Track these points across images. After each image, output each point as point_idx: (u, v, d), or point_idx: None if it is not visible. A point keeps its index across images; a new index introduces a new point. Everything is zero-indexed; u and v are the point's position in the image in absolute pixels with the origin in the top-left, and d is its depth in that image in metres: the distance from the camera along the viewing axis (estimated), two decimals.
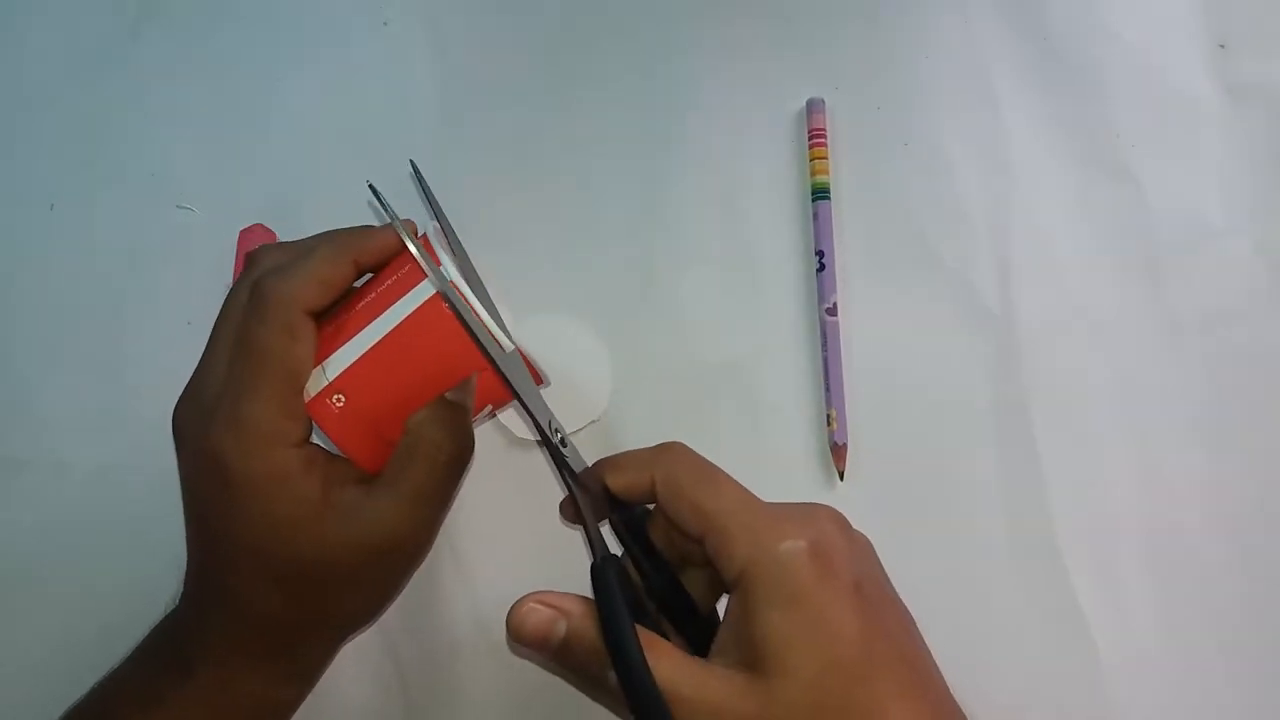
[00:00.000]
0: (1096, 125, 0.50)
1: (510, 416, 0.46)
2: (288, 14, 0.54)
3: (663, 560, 0.36)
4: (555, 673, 0.41)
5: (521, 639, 0.33)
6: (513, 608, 0.33)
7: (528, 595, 0.33)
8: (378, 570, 0.38)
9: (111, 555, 0.46)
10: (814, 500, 0.34)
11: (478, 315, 0.36)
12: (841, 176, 0.49)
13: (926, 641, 0.33)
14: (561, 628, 0.33)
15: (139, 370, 0.48)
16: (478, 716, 0.44)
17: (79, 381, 0.49)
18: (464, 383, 0.38)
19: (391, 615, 0.45)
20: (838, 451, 0.45)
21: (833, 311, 0.47)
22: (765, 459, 0.46)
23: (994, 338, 0.47)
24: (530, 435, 0.46)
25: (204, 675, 0.36)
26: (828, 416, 0.46)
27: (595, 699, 0.35)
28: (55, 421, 0.48)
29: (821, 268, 0.48)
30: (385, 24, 0.54)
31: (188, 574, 0.38)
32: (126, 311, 0.49)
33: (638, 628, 0.31)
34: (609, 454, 0.46)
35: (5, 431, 0.48)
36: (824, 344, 0.47)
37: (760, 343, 0.48)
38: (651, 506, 0.36)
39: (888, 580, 0.34)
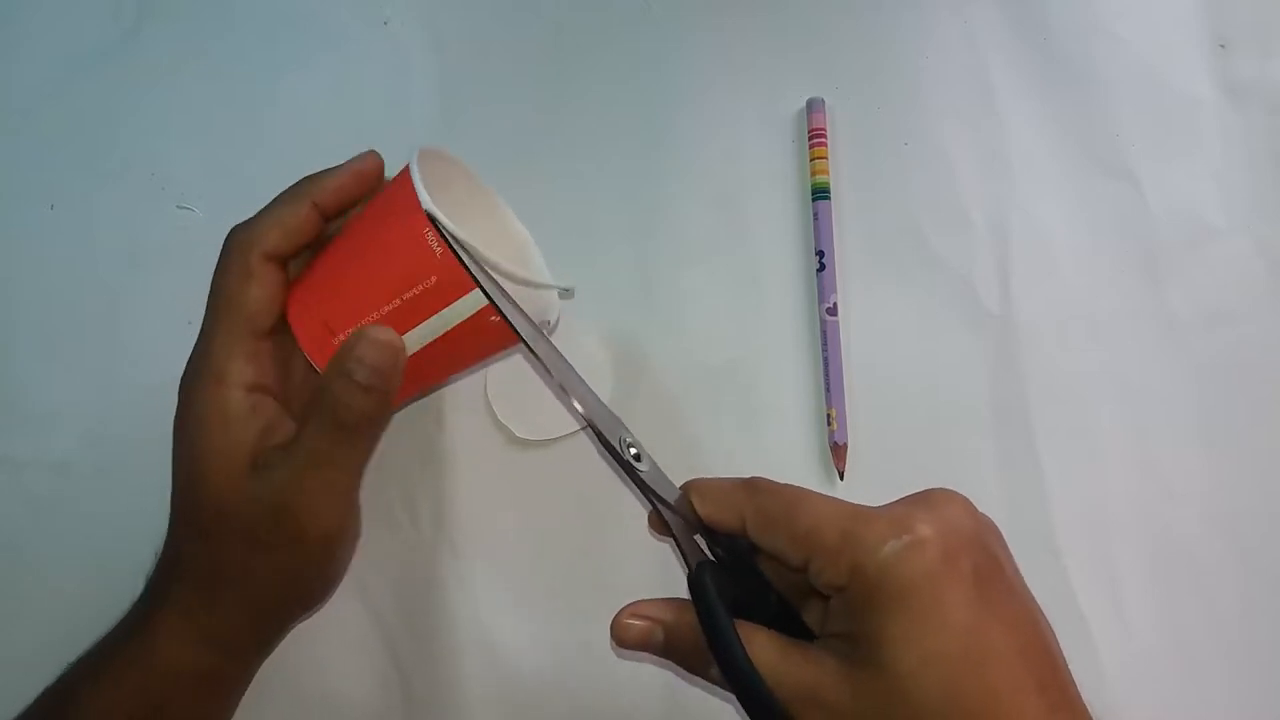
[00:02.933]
0: (1096, 125, 0.50)
1: (510, 416, 0.46)
2: (288, 14, 0.54)
3: (771, 586, 0.34)
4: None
5: (626, 648, 0.34)
6: (613, 622, 0.34)
7: (624, 608, 0.34)
8: (277, 535, 0.36)
9: (111, 555, 0.45)
10: None
11: (537, 333, 0.36)
12: (841, 176, 0.49)
13: None
14: (659, 635, 0.33)
15: (139, 370, 0.48)
16: (478, 716, 0.44)
17: (78, 381, 0.49)
18: (368, 343, 0.35)
19: (391, 615, 0.45)
20: (838, 451, 0.45)
21: (833, 311, 0.47)
22: (765, 459, 0.46)
23: (994, 338, 0.47)
24: (529, 435, 0.46)
25: (136, 637, 0.38)
26: (828, 416, 0.46)
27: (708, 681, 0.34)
28: (55, 421, 0.48)
29: (821, 268, 0.48)
30: (385, 24, 0.54)
31: None
32: (126, 311, 0.49)
33: (738, 621, 0.31)
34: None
35: (5, 431, 0.48)
36: (824, 344, 0.47)
37: (760, 343, 0.48)
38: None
39: (1015, 568, 0.32)
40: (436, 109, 0.52)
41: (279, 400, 0.38)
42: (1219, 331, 0.47)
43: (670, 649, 0.34)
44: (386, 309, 0.36)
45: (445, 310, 0.36)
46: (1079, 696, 0.31)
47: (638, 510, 0.45)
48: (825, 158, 0.49)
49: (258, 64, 0.53)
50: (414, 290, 0.36)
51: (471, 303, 0.35)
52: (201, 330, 0.38)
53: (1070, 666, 0.31)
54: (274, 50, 0.53)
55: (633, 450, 0.35)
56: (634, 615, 0.34)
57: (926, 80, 0.51)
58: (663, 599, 0.34)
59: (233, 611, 0.38)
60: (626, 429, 0.36)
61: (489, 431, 0.47)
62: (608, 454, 0.35)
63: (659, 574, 0.45)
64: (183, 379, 0.37)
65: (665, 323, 0.48)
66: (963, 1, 0.52)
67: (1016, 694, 0.29)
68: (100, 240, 0.51)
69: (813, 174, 0.49)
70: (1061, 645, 0.32)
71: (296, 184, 0.39)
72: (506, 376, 0.47)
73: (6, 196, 0.52)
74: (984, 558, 0.31)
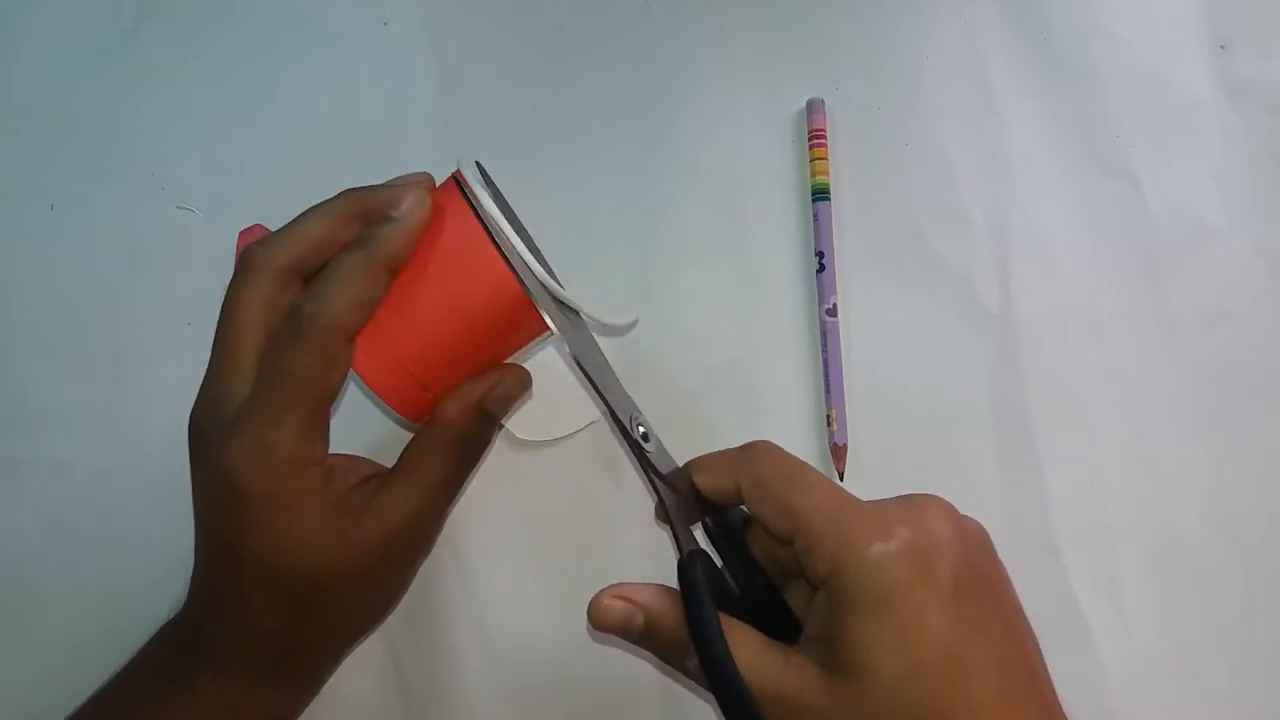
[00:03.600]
0: (1096, 125, 0.50)
1: (510, 416, 0.46)
2: (288, 14, 0.54)
3: (759, 567, 0.35)
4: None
5: (602, 629, 0.33)
6: (592, 600, 0.33)
7: (605, 589, 0.33)
8: (390, 564, 0.38)
9: (111, 556, 0.46)
10: None
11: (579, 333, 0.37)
12: (841, 176, 0.49)
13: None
14: (639, 620, 0.33)
15: (139, 371, 0.48)
16: (477, 716, 0.44)
17: (79, 382, 0.49)
18: (511, 383, 0.38)
19: (392, 615, 0.45)
20: (838, 451, 0.45)
21: (833, 312, 0.47)
22: None
23: (994, 338, 0.47)
24: (529, 435, 0.46)
25: (205, 687, 0.36)
26: (828, 416, 0.46)
27: (681, 673, 0.34)
28: (55, 422, 0.48)
29: (821, 268, 0.48)
30: (385, 24, 0.54)
31: (194, 581, 0.38)
32: (126, 312, 0.49)
33: (721, 615, 0.30)
34: (609, 454, 0.46)
35: (5, 431, 0.48)
36: (824, 344, 0.47)
37: (760, 343, 0.48)
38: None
39: (1001, 577, 0.32)
40: (436, 109, 0.52)
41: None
42: (1219, 331, 0.47)
43: (649, 636, 0.33)
44: (486, 361, 0.38)
45: (529, 344, 0.39)
46: (1060, 710, 0.31)
47: (638, 511, 0.45)
48: (825, 158, 0.49)
49: (258, 64, 0.53)
50: (514, 341, 0.38)
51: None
52: (259, 409, 0.34)
53: (1070, 667, 0.31)
54: (274, 50, 0.53)
55: (641, 430, 0.36)
56: (615, 596, 0.33)
57: (926, 80, 0.51)
58: (646, 584, 0.34)
59: (319, 663, 0.40)
60: (639, 410, 0.36)
61: None
62: (617, 432, 0.36)
63: (658, 575, 0.45)
64: (228, 459, 0.34)
65: (665, 323, 0.48)
66: (963, 1, 0.52)
67: (995, 708, 0.29)
68: (100, 240, 0.51)
69: (813, 174, 0.49)
70: (1062, 645, 0.32)
71: (366, 249, 0.35)
72: None
73: (6, 196, 0.52)
74: (964, 568, 0.30)
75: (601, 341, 0.47)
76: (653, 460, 0.35)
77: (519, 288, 0.35)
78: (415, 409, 0.37)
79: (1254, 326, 0.47)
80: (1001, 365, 0.47)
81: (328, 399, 0.35)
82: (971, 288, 0.48)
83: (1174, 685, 0.43)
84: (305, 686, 0.40)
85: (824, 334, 0.47)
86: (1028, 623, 0.32)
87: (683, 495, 0.35)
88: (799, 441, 0.46)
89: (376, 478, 0.38)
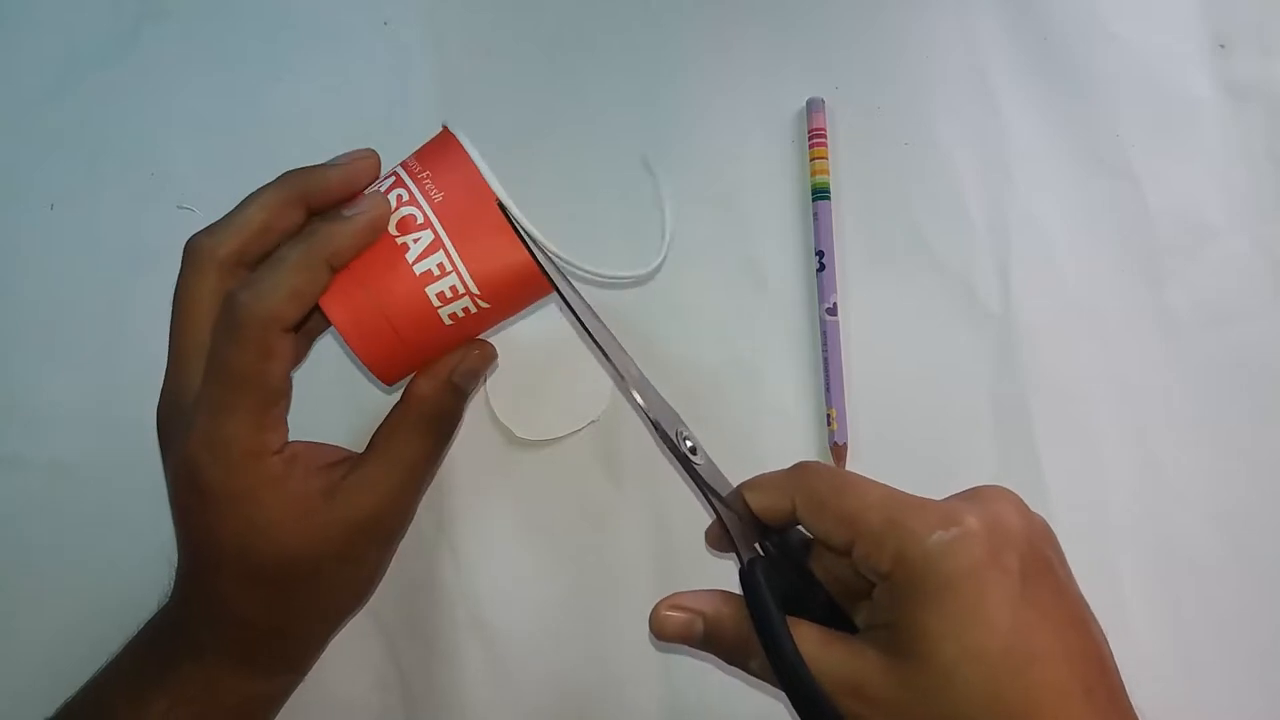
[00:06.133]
0: (1096, 125, 0.50)
1: (510, 416, 0.46)
2: (288, 14, 0.54)
3: (821, 588, 0.34)
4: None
5: (664, 639, 0.34)
6: (651, 614, 0.34)
7: (663, 600, 0.34)
8: (365, 544, 0.38)
9: (110, 555, 0.46)
10: None
11: (599, 323, 0.37)
12: (841, 176, 0.49)
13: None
14: (699, 626, 0.33)
15: (139, 370, 0.48)
16: (478, 716, 0.44)
17: (78, 381, 0.49)
18: (476, 356, 0.38)
19: (392, 615, 0.45)
20: (838, 451, 0.45)
21: (833, 311, 0.47)
22: (765, 459, 0.45)
23: (994, 337, 0.47)
24: (529, 435, 0.46)
25: (189, 672, 0.37)
26: (828, 416, 0.46)
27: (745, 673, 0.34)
28: (55, 421, 0.48)
29: (821, 268, 0.48)
30: (385, 24, 0.54)
31: (177, 571, 0.39)
32: (127, 311, 0.49)
33: (785, 616, 0.31)
34: (609, 454, 0.46)
35: (5, 431, 0.48)
36: (824, 344, 0.47)
37: (760, 343, 0.48)
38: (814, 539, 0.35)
39: (1067, 569, 0.32)
40: (436, 109, 0.52)
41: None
42: (1219, 331, 0.47)
43: (710, 641, 0.33)
44: (462, 334, 0.38)
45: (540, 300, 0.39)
46: (1128, 702, 0.30)
47: (638, 511, 0.45)
48: (825, 158, 0.49)
49: (258, 64, 0.53)
50: (511, 294, 0.38)
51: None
52: (207, 402, 0.34)
53: None
54: (274, 50, 0.53)
55: (689, 444, 0.35)
56: (673, 607, 0.33)
57: (926, 80, 0.51)
58: (701, 590, 0.34)
59: (302, 644, 0.40)
60: (684, 423, 0.36)
61: (489, 431, 0.47)
62: (664, 447, 0.35)
63: (659, 575, 0.45)
64: (187, 454, 0.35)
65: (665, 322, 0.48)
66: (963, 1, 0.52)
67: (1061, 696, 0.28)
68: (101, 240, 0.51)
69: (813, 174, 0.49)
70: None
71: (308, 242, 0.35)
72: (506, 376, 0.47)
73: (6, 196, 0.52)
74: (1032, 556, 0.30)
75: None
76: (703, 474, 0.35)
77: (529, 258, 0.35)
78: (395, 372, 0.38)
79: (1254, 326, 0.47)
80: (1001, 365, 0.47)
81: (270, 390, 0.35)
82: (971, 288, 0.48)
83: (1174, 685, 0.43)
84: (286, 671, 0.41)
85: (824, 333, 0.47)
86: (1094, 615, 0.31)
87: (740, 515, 0.34)
88: (799, 441, 0.46)
89: (347, 460, 0.38)
